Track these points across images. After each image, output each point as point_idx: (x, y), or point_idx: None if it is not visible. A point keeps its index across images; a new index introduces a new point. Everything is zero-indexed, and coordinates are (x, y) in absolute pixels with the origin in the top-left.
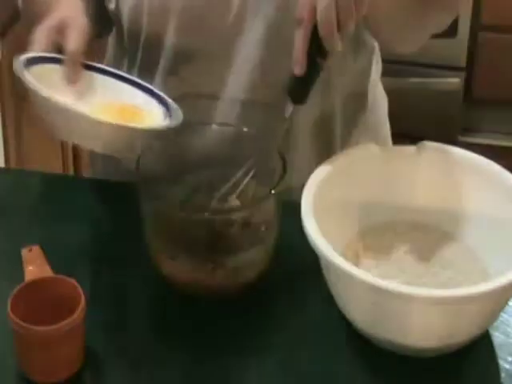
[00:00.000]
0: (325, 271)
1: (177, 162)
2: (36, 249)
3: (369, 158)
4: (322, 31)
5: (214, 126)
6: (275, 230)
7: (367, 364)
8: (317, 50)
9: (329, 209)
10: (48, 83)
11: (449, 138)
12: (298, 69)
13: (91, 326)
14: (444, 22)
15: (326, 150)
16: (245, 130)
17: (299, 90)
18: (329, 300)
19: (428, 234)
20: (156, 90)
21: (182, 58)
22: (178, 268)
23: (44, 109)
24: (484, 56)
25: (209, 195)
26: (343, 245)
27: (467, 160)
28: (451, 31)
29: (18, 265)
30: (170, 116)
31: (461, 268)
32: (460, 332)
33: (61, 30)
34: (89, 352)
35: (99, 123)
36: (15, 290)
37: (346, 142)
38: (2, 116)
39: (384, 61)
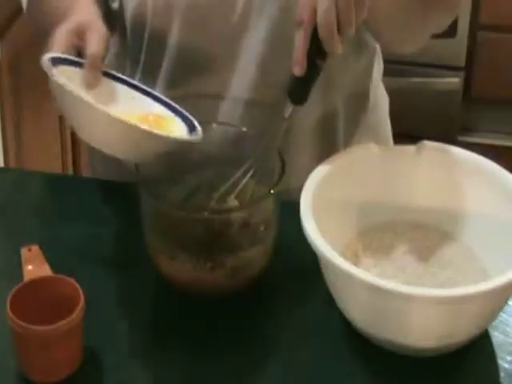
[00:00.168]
0: (324, 271)
1: (176, 161)
2: (35, 248)
3: (368, 157)
4: (322, 33)
5: (214, 126)
6: (274, 229)
7: (367, 364)
8: (317, 51)
9: (328, 208)
10: None
11: (448, 137)
12: (298, 70)
13: (90, 326)
14: (444, 23)
15: (328, 149)
16: (244, 129)
17: (299, 90)
18: (328, 300)
19: (427, 234)
20: (168, 100)
21: (186, 58)
22: (178, 268)
23: (72, 108)
24: (483, 56)
25: (208, 195)
26: (342, 245)
27: (467, 160)
28: (450, 31)
29: (18, 264)
30: (189, 127)
31: (460, 268)
32: (459, 332)
33: (80, 33)
34: (88, 351)
35: (132, 129)
36: (14, 290)
37: (348, 142)
38: (2, 116)
39: (383, 61)
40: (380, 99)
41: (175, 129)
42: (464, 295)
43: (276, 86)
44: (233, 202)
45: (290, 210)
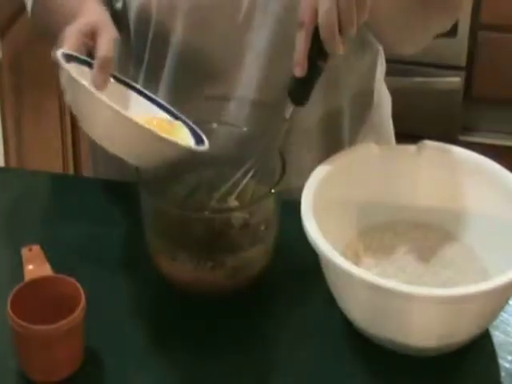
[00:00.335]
0: (325, 270)
1: (177, 161)
2: (36, 248)
3: (369, 157)
4: (323, 34)
5: (215, 126)
6: (275, 229)
7: (367, 363)
8: (318, 52)
9: (329, 208)
10: None
11: (449, 137)
12: (299, 70)
13: (91, 326)
14: (446, 24)
15: (333, 148)
16: (245, 129)
17: (299, 91)
18: (329, 299)
19: (428, 234)
20: (170, 107)
21: (190, 59)
22: (178, 267)
23: (85, 104)
24: (484, 55)
25: (209, 195)
26: (343, 244)
27: (467, 159)
28: (451, 31)
29: (18, 264)
30: (191, 131)
31: (461, 267)
32: (460, 331)
33: (91, 33)
34: (89, 351)
35: (148, 133)
36: (15, 290)
37: (353, 140)
38: (2, 115)
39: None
40: (383, 99)
41: (179, 134)
42: (465, 295)
43: (278, 86)
44: (233, 202)
45: (290, 209)
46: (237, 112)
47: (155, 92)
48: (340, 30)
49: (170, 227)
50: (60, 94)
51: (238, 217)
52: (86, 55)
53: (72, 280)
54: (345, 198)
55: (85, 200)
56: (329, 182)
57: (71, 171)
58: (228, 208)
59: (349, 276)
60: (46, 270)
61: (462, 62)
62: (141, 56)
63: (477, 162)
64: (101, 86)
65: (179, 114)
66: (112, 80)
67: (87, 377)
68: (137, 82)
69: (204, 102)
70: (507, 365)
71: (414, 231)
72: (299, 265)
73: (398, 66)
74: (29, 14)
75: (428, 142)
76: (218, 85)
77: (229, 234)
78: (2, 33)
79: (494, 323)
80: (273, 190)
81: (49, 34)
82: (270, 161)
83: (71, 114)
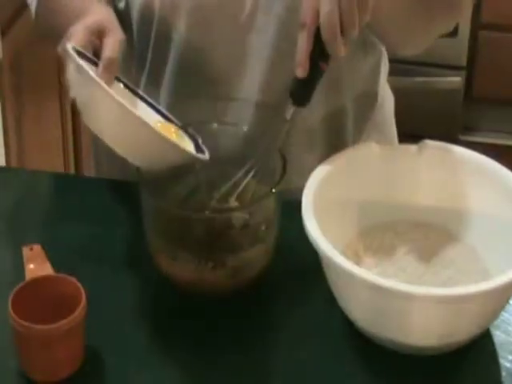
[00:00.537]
0: (325, 270)
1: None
2: (37, 247)
3: (370, 156)
4: (325, 35)
5: (216, 126)
6: (275, 229)
7: (368, 363)
8: (319, 53)
9: (329, 208)
10: None
11: (450, 136)
12: (301, 71)
13: (92, 325)
14: (448, 25)
15: (337, 147)
16: (245, 129)
17: (301, 92)
18: (329, 299)
19: (429, 234)
20: (169, 114)
21: (192, 59)
22: (179, 267)
23: (93, 98)
24: (485, 55)
25: (209, 195)
26: (344, 244)
27: (468, 159)
28: (452, 30)
29: (19, 263)
30: (189, 137)
31: (461, 267)
32: (460, 331)
33: (98, 31)
34: (89, 351)
35: (158, 137)
36: (16, 289)
37: (357, 140)
38: (3, 114)
39: None
40: (386, 99)
41: (182, 141)
42: (465, 294)
43: (283, 88)
44: (234, 202)
45: (291, 209)
46: (239, 113)
47: (157, 93)
48: (342, 32)
49: (170, 227)
50: (61, 94)
51: (238, 217)
52: (92, 53)
53: (73, 279)
54: (345, 197)
55: (86, 200)
56: (329, 181)
57: (72, 171)
58: (228, 208)
59: (349, 276)
60: (47, 269)
61: (463, 61)
62: (143, 56)
63: (478, 162)
64: None
65: (179, 123)
66: (120, 85)
67: (87, 376)
68: (139, 82)
69: (206, 103)
70: (508, 364)
71: (415, 231)
72: (300, 265)
73: (398, 66)
74: (33, 15)
75: (429, 142)
76: (220, 86)
77: (229, 233)
78: (3, 33)
79: (495, 323)
80: (273, 190)
81: (53, 36)
82: (271, 161)
83: (72, 113)
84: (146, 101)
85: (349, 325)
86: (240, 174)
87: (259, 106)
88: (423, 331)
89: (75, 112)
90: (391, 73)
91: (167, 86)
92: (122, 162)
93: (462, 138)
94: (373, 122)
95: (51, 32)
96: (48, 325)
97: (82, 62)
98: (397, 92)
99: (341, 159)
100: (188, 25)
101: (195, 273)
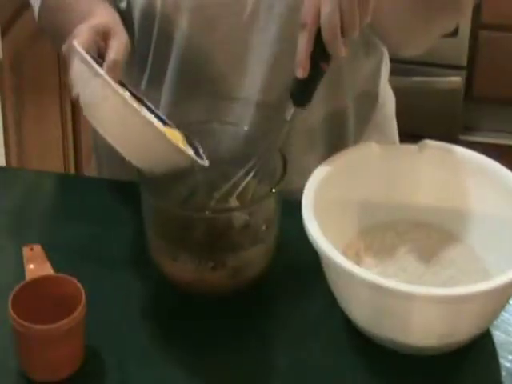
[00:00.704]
0: (326, 270)
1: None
2: (37, 247)
3: (370, 156)
4: (325, 36)
5: (216, 126)
6: (276, 229)
7: (368, 363)
8: (320, 53)
9: (330, 208)
10: None
11: (450, 136)
12: (301, 72)
13: (92, 325)
14: (448, 26)
15: (338, 147)
16: (246, 129)
17: (301, 92)
18: (330, 299)
19: (429, 233)
20: (166, 119)
21: (194, 59)
22: (179, 267)
23: (98, 94)
24: (485, 55)
25: (210, 195)
26: (344, 244)
27: (468, 159)
28: (452, 30)
29: (19, 263)
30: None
31: (462, 267)
32: (460, 331)
33: (103, 33)
34: (89, 351)
35: (165, 140)
36: (16, 289)
37: (358, 139)
38: (3, 115)
39: None
40: (387, 99)
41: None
42: (465, 294)
43: (284, 88)
44: (234, 201)
45: (291, 209)
46: (240, 113)
47: (158, 92)
48: (342, 32)
49: (170, 227)
50: (61, 94)
51: (238, 217)
52: (96, 54)
53: (73, 279)
54: (345, 197)
55: (86, 200)
56: (329, 181)
57: (72, 171)
58: (229, 208)
59: (350, 275)
60: (47, 269)
61: (463, 61)
62: (145, 55)
63: (478, 162)
64: None
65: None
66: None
67: (87, 376)
68: (140, 82)
69: (207, 103)
70: (508, 364)
71: (415, 231)
72: (300, 264)
73: (399, 66)
74: (36, 16)
75: (429, 142)
76: (221, 85)
77: (230, 233)
78: (3, 33)
79: (495, 323)
80: (274, 190)
81: (56, 36)
82: (271, 161)
83: (72, 113)
84: (149, 109)
85: (349, 324)
86: (240, 174)
87: (260, 106)
88: (423, 331)
89: (75, 112)
90: (392, 72)
91: (168, 85)
92: (122, 162)
93: (463, 137)
94: (374, 123)
95: (54, 33)
96: (48, 325)
97: (89, 58)
98: (397, 92)
99: (341, 159)
100: (190, 24)
101: (195, 273)
